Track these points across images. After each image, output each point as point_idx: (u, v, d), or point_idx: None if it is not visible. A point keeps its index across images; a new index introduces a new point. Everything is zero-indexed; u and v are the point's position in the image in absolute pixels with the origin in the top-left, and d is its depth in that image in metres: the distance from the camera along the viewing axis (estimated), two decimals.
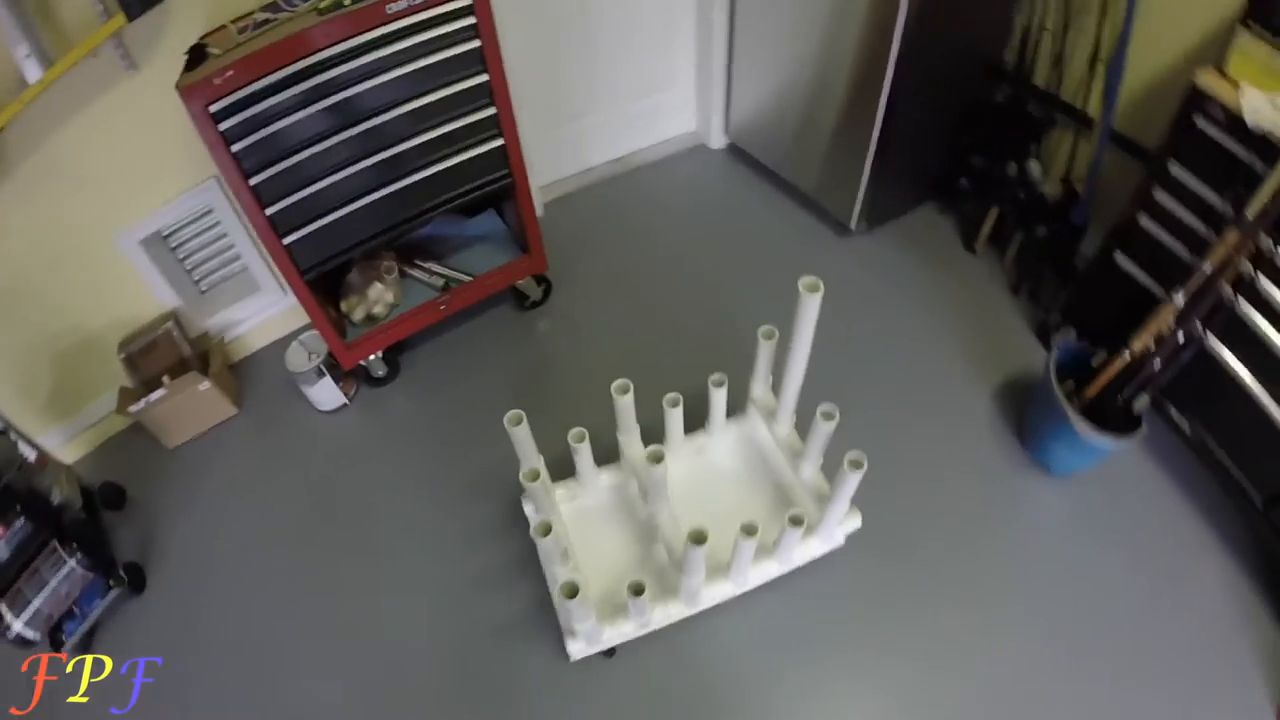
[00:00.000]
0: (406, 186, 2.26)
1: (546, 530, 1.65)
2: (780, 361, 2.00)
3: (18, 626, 2.07)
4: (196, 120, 1.88)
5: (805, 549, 2.09)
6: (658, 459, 1.76)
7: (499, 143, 2.32)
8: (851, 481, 1.79)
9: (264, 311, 2.83)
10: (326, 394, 2.60)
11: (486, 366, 2.74)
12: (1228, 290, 2.06)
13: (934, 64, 2.53)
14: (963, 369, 2.67)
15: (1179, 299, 2.04)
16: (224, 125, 1.91)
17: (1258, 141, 1.92)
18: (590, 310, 2.87)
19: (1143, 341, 2.12)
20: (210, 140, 1.92)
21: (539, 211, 3.07)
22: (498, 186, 2.42)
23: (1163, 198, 2.23)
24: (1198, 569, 2.35)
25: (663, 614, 1.99)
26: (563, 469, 2.15)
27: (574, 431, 1.92)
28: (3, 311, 2.39)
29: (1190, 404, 2.41)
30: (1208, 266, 1.98)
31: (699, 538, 1.65)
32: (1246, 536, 2.41)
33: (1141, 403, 2.26)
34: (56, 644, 2.17)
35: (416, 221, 2.37)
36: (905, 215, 3.11)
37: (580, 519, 2.19)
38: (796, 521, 1.80)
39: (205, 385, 2.58)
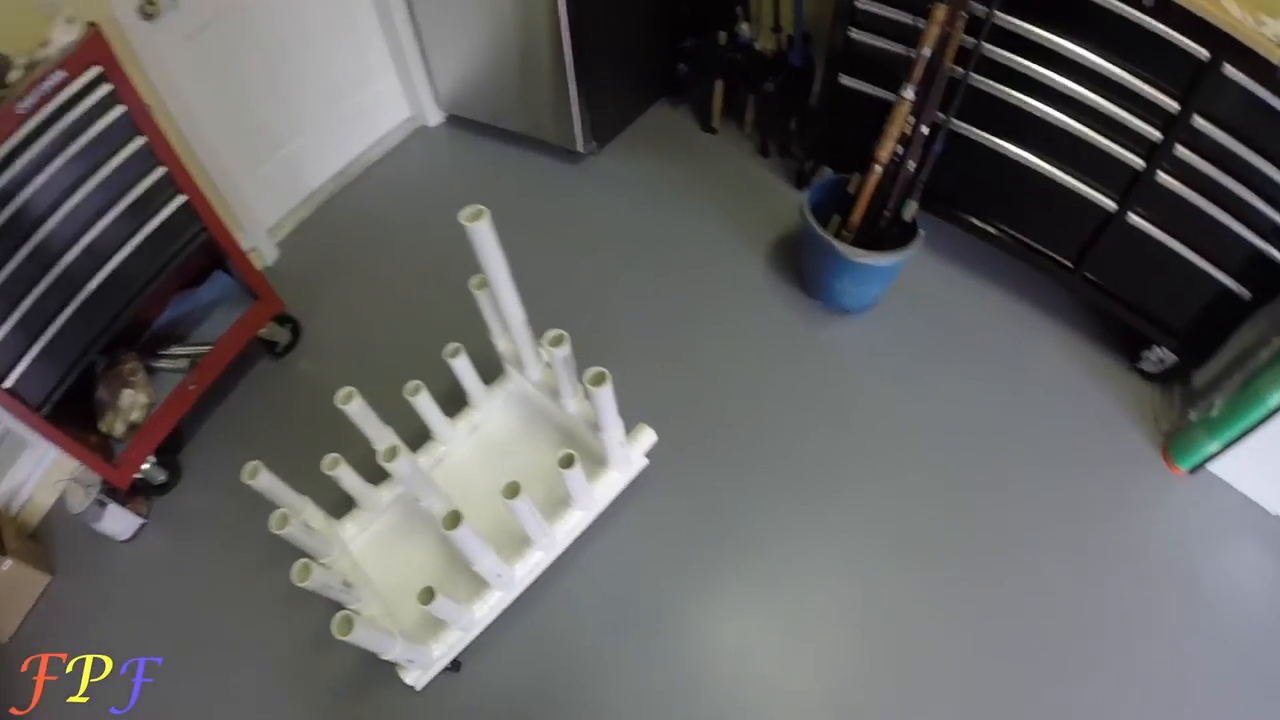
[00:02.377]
0: (106, 280, 1.90)
1: (305, 574, 1.42)
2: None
3: None
4: None
5: (605, 486, 1.93)
6: (391, 456, 1.55)
7: (181, 200, 2.00)
8: (603, 396, 1.61)
9: (41, 464, 2.35)
10: (119, 523, 2.19)
11: (261, 430, 2.39)
12: (955, 69, 2.00)
13: None
14: (732, 246, 2.56)
15: (909, 92, 1.95)
16: None
17: None
18: (349, 331, 2.56)
19: (888, 148, 2.02)
20: None
21: (273, 254, 2.72)
22: (197, 244, 2.09)
23: (865, 3, 2.13)
24: (1035, 349, 2.37)
25: (487, 607, 1.79)
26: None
27: (326, 460, 1.71)
28: None
29: (967, 194, 2.38)
30: (926, 50, 1.89)
31: (452, 521, 1.44)
32: (1067, 301, 2.44)
33: (910, 209, 2.19)
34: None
35: (129, 310, 2.00)
36: (636, 121, 2.96)
37: (380, 544, 1.96)
38: (567, 463, 1.61)
39: (7, 565, 2.13)
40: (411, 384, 1.85)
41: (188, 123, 2.30)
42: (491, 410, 2.16)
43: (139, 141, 1.87)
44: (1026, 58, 2.01)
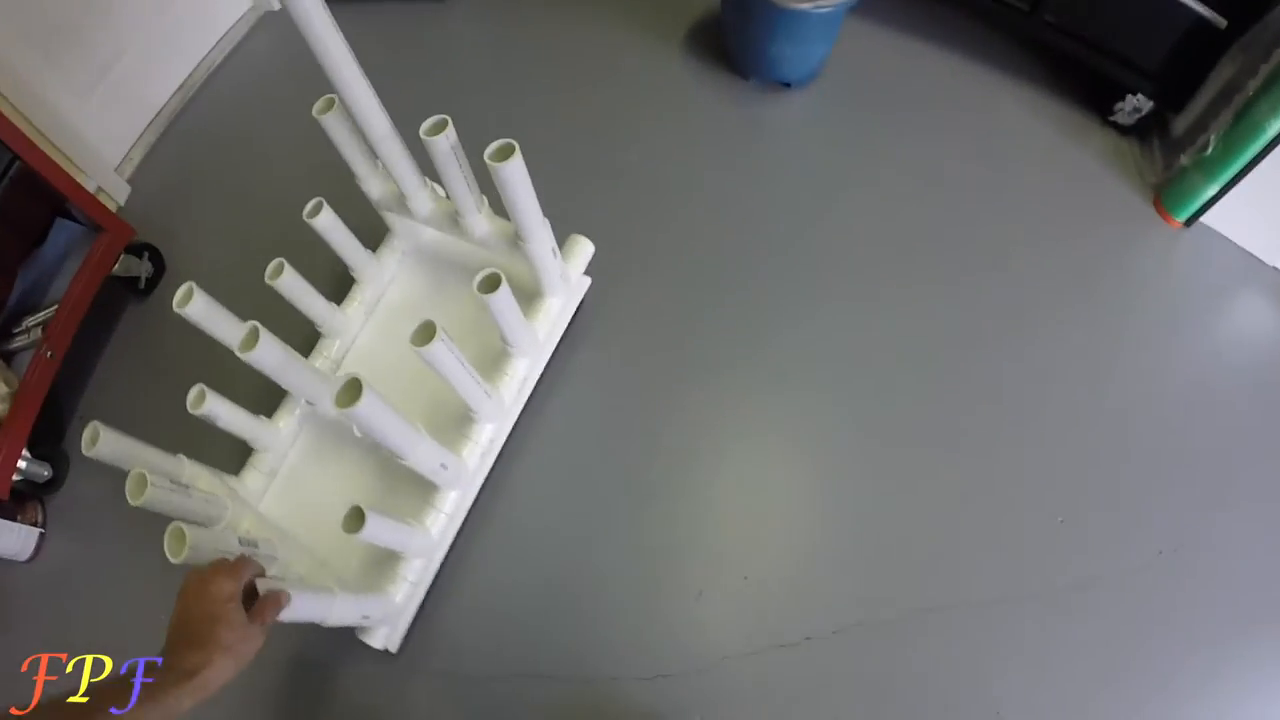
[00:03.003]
0: None
1: (178, 544, 1.16)
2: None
3: None
4: None
5: (547, 317, 1.59)
6: (250, 343, 1.28)
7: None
8: (514, 177, 1.23)
9: None
10: (14, 541, 1.82)
11: (143, 386, 2.04)
12: None
13: None
14: (642, 39, 2.25)
15: None
16: None
17: None
18: (218, 252, 2.20)
19: None
20: None
21: (124, 192, 2.30)
22: (12, 177, 1.70)
23: None
24: (1000, 111, 2.14)
25: (442, 516, 1.46)
26: None
27: (191, 394, 1.41)
28: None
29: None
30: None
31: (350, 395, 1.09)
32: (1028, 57, 2.19)
33: None
34: None
35: None
36: None
37: (294, 488, 1.65)
38: (491, 285, 1.25)
39: None
40: (273, 264, 1.50)
41: None
42: (384, 278, 1.81)
43: None
44: None
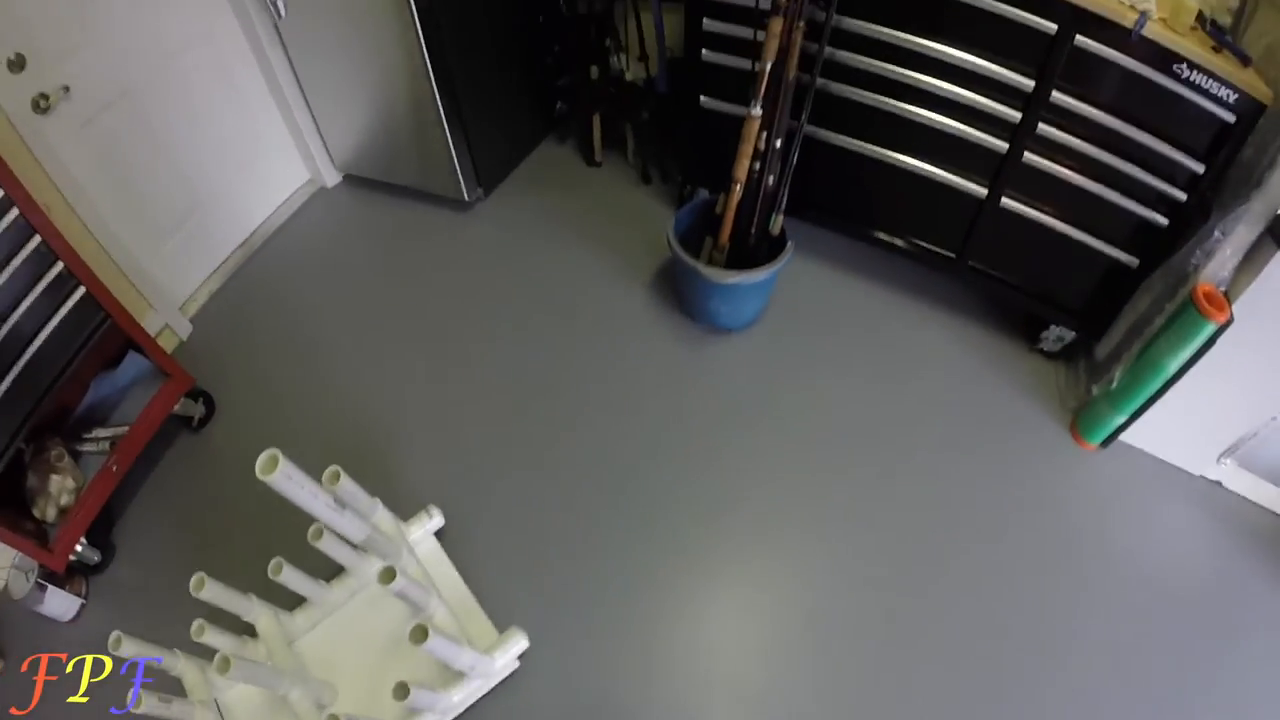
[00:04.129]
0: (22, 372, 1.89)
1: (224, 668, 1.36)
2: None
3: None
4: None
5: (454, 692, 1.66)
6: (223, 669, 1.41)
7: (81, 291, 2.00)
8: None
9: None
10: (60, 605, 2.14)
11: (186, 503, 2.32)
12: (803, 75, 1.93)
13: (466, 16, 2.39)
14: (615, 278, 2.50)
15: (756, 109, 1.89)
16: None
17: None
18: (261, 400, 2.47)
19: (744, 166, 1.96)
20: None
21: (186, 329, 2.66)
22: (102, 331, 2.09)
23: (711, 24, 2.08)
24: (931, 343, 2.30)
25: None
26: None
27: (193, 580, 1.61)
28: None
29: (839, 198, 2.31)
30: (766, 63, 1.83)
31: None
32: (958, 291, 2.37)
33: (776, 223, 2.12)
34: None
35: (48, 398, 1.99)
36: (522, 163, 2.94)
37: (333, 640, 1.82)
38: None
39: None
40: (272, 563, 1.67)
41: (88, 210, 2.28)
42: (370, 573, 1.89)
43: (35, 240, 1.87)
44: (875, 57, 1.95)
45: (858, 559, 1.87)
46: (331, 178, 3.02)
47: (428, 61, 2.30)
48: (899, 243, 2.26)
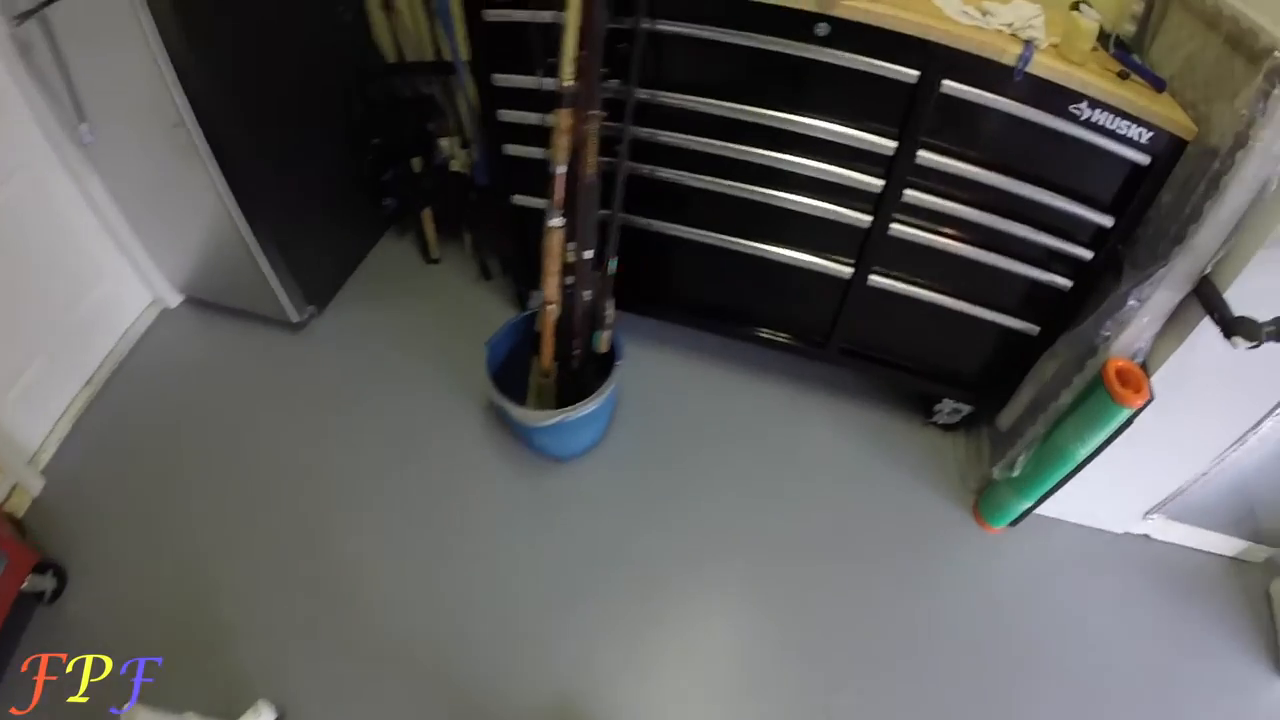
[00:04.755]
0: None
1: None
2: None
3: None
4: None
5: None
6: None
7: None
8: None
9: None
10: None
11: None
12: (610, 164, 1.51)
13: (263, 126, 1.91)
14: (452, 394, 2.07)
15: (555, 219, 1.46)
16: None
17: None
18: (117, 563, 2.05)
19: (552, 285, 1.50)
20: None
21: (38, 484, 2.14)
22: None
23: (508, 114, 1.63)
24: (812, 431, 1.97)
25: None
26: None
27: None
28: None
29: (685, 292, 1.93)
30: (560, 167, 1.40)
31: None
32: (833, 369, 1.99)
33: (602, 340, 1.69)
34: None
35: None
36: (360, 267, 2.47)
37: None
38: None
39: None
40: None
41: None
42: None
43: None
44: (705, 134, 1.54)
45: (755, 677, 1.57)
46: (173, 298, 2.55)
47: (224, 184, 1.87)
48: (759, 334, 1.89)
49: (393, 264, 2.47)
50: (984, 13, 1.40)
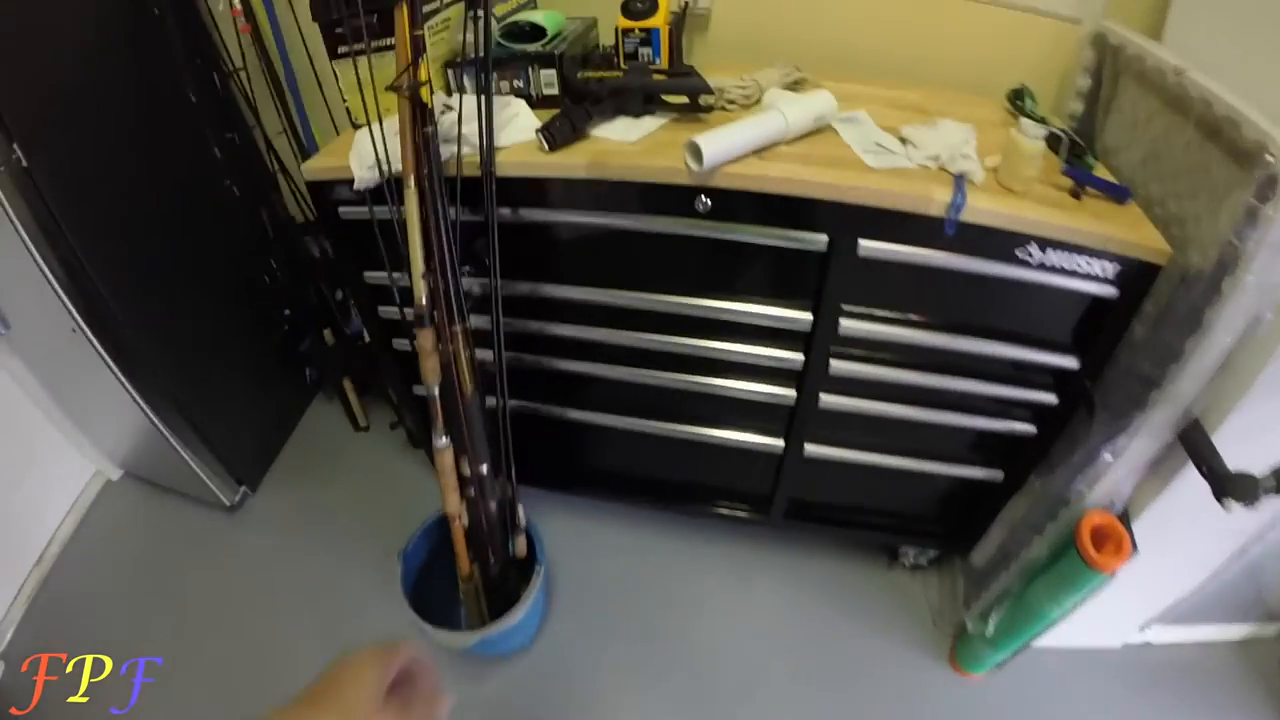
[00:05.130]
0: None
1: None
2: None
3: None
4: None
5: None
6: None
7: None
8: None
9: None
10: None
11: None
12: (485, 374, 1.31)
13: (167, 317, 1.77)
14: (387, 579, 1.74)
15: (440, 441, 1.29)
16: None
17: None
18: None
19: (452, 501, 1.31)
20: None
21: None
22: None
23: (388, 310, 1.47)
24: (760, 602, 1.75)
25: None
26: None
27: None
28: None
29: (608, 475, 1.76)
30: (433, 389, 1.21)
31: None
32: (796, 538, 1.82)
33: (518, 545, 1.50)
34: None
35: None
36: (290, 441, 2.30)
37: None
38: None
39: None
40: None
41: None
42: None
43: None
44: (597, 324, 1.37)
45: None
46: (114, 472, 2.42)
47: (130, 382, 1.75)
48: (693, 507, 1.71)
49: (324, 433, 2.30)
50: (904, 141, 1.18)
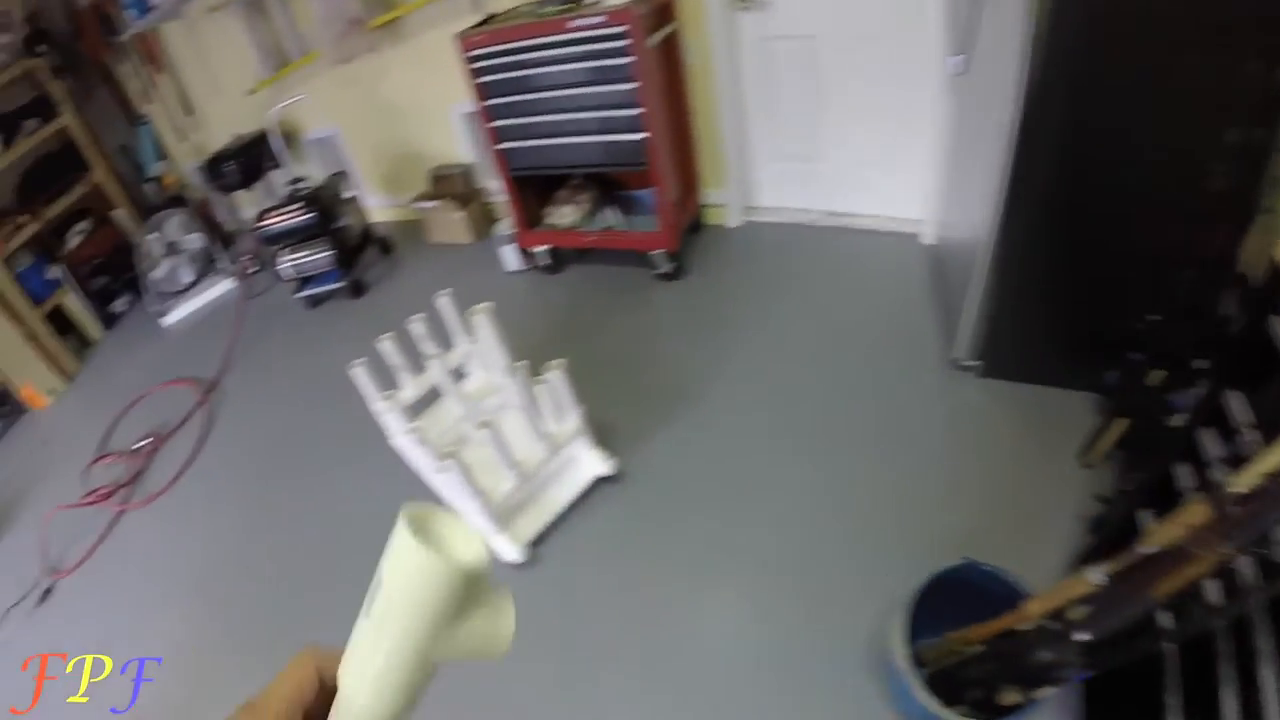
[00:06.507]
0: (571, 143, 2.68)
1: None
2: None
3: (285, 266, 3.37)
4: (461, 57, 2.63)
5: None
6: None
7: (639, 137, 2.53)
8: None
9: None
10: (510, 257, 3.25)
11: (603, 300, 2.90)
12: None
13: (1097, 184, 1.68)
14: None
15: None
16: (475, 65, 2.64)
17: None
18: (700, 295, 2.78)
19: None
20: (467, 72, 2.66)
21: (737, 219, 3.08)
22: (636, 170, 2.65)
23: None
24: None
25: None
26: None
27: None
28: (383, 115, 3.65)
29: None
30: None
31: None
32: None
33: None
34: (297, 289, 3.46)
35: (576, 171, 2.97)
36: (1035, 385, 2.05)
37: None
38: None
39: (458, 215, 3.58)
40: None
41: (723, 94, 2.77)
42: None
43: (628, 86, 2.45)
44: None
45: None
46: (928, 236, 2.73)
47: (1000, 207, 1.75)
48: None
49: (1060, 417, 1.96)
50: None
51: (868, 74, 2.57)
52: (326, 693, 0.44)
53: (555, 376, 1.83)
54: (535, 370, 1.83)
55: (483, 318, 1.73)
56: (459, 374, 2.25)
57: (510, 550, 1.89)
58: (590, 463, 2.06)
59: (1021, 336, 2.05)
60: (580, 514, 2.01)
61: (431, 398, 2.18)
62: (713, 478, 2.03)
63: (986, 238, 1.86)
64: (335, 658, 0.44)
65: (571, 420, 1.96)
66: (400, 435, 1.98)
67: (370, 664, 0.42)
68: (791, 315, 2.54)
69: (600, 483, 2.05)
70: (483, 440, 1.73)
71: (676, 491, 2.02)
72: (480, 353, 2.17)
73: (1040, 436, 1.95)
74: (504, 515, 1.90)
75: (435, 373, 2.03)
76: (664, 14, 2.55)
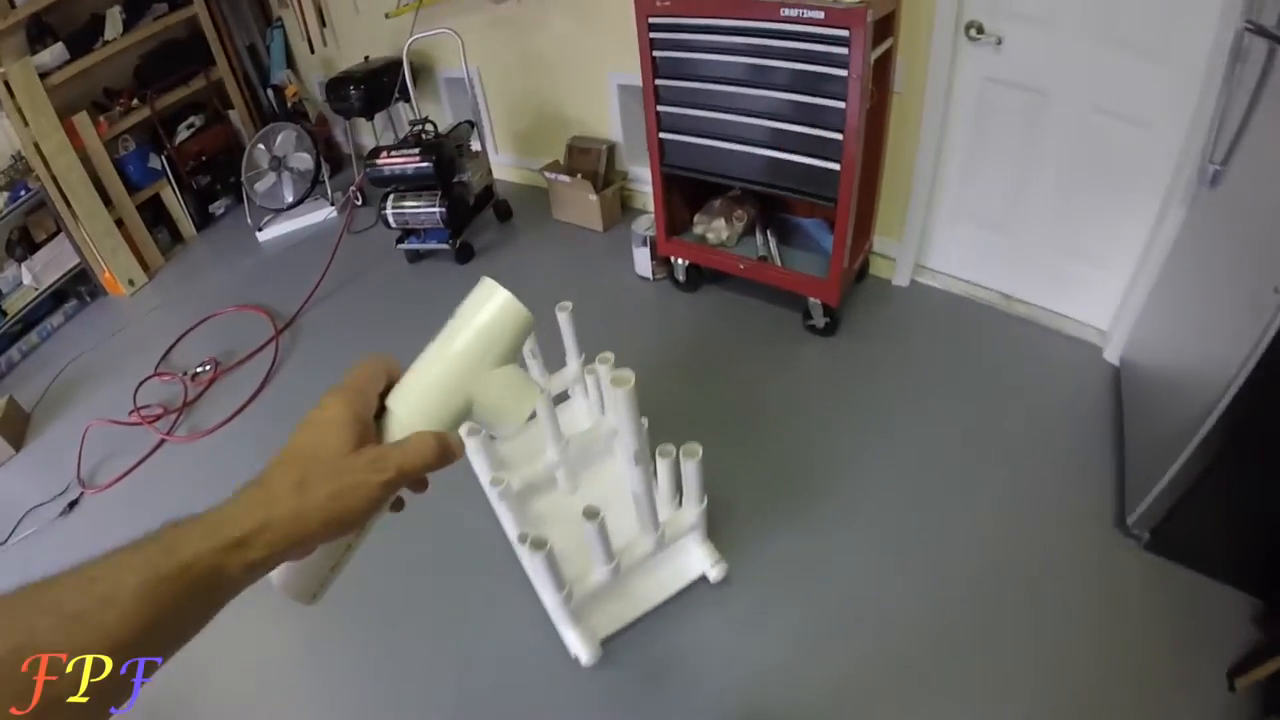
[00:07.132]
0: (746, 153, 2.23)
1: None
2: None
3: (390, 214, 3.06)
4: (639, 24, 2.21)
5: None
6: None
7: (834, 167, 2.06)
8: None
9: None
10: (642, 261, 2.82)
11: (738, 338, 2.51)
12: None
13: None
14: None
15: None
16: (653, 35, 2.21)
17: None
18: (850, 360, 2.35)
19: None
20: (641, 41, 2.23)
21: (906, 277, 2.61)
22: (820, 203, 2.18)
23: None
24: None
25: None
26: None
27: None
28: (530, 67, 3.29)
29: None
30: None
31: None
32: None
33: None
34: (401, 239, 3.19)
35: (740, 184, 2.42)
36: (1199, 570, 1.65)
37: None
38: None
39: (592, 198, 3.14)
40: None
41: (926, 132, 2.28)
42: None
43: (838, 104, 1.96)
44: None
45: None
46: (1112, 354, 2.20)
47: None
48: None
49: (1214, 629, 1.56)
50: None
51: (1095, 153, 2.03)
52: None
53: (692, 467, 1.43)
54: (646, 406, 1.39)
55: (624, 394, 1.25)
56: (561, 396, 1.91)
57: (580, 648, 1.53)
58: (697, 561, 1.67)
59: (1212, 522, 1.60)
60: (665, 617, 1.65)
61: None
62: (823, 603, 1.67)
63: (1218, 399, 1.38)
64: (400, 369, 0.52)
65: (691, 513, 1.57)
66: (484, 481, 1.62)
67: (419, 381, 0.51)
68: (949, 412, 2.09)
69: (700, 581, 1.68)
70: (578, 518, 1.34)
71: (781, 615, 1.65)
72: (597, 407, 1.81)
73: (1192, 642, 1.55)
74: (581, 606, 1.54)
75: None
76: (885, 26, 2.08)
